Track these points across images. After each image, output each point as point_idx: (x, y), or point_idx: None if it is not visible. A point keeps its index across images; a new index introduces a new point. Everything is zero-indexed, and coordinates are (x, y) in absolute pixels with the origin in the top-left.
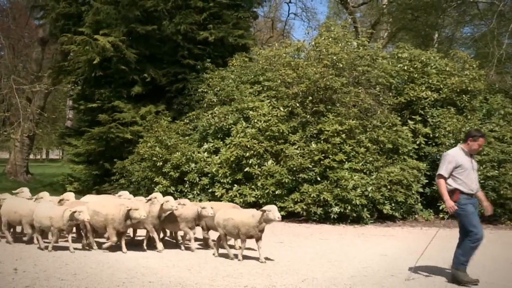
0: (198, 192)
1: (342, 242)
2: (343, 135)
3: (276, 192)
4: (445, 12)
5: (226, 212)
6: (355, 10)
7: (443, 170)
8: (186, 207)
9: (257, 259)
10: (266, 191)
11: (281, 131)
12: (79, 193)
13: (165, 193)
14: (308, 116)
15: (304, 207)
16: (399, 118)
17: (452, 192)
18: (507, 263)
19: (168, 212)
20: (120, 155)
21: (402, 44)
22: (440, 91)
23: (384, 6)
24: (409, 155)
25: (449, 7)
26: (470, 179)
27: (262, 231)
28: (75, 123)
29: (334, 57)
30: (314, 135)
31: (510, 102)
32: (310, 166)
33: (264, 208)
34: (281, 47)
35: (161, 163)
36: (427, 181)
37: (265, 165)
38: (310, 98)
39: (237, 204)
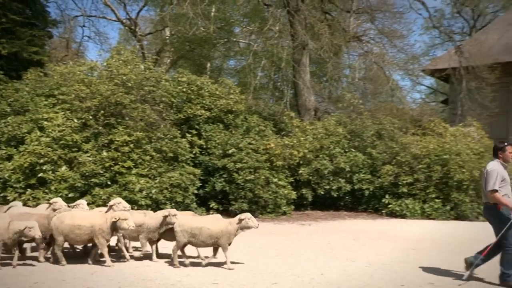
0: None
1: None
2: (132, 145)
3: (69, 195)
4: (215, 47)
5: (194, 221)
6: (143, 38)
7: (495, 185)
8: (149, 217)
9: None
10: (60, 195)
11: (75, 140)
12: None
13: None
14: (100, 128)
15: (95, 208)
16: (179, 132)
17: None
18: (260, 247)
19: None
20: None
21: (181, 70)
22: (212, 110)
23: (167, 37)
24: (187, 163)
25: (218, 43)
26: (510, 192)
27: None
28: None
29: (124, 77)
30: (106, 145)
31: (262, 121)
32: (102, 172)
33: (242, 216)
34: (75, 65)
35: None
36: (201, 184)
37: (59, 171)
38: (102, 111)
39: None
